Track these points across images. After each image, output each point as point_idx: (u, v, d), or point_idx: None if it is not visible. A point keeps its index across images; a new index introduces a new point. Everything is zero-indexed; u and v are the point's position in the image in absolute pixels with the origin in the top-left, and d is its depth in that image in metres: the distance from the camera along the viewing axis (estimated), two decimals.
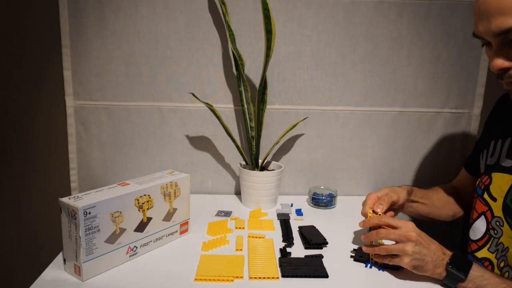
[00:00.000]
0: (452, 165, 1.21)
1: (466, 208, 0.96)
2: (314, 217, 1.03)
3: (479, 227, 0.80)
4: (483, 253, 0.79)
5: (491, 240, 0.78)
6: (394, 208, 0.89)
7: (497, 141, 0.81)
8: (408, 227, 0.71)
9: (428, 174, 1.21)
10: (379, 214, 0.80)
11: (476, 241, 0.81)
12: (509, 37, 0.62)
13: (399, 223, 0.73)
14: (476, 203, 0.83)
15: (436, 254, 0.69)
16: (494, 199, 0.77)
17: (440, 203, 0.96)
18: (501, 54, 0.64)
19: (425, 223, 1.00)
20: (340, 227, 0.96)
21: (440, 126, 1.18)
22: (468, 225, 0.85)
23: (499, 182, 0.77)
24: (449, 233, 1.22)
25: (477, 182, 0.84)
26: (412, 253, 0.69)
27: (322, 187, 1.18)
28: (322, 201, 1.10)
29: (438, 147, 1.19)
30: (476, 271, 0.67)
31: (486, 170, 0.82)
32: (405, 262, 0.70)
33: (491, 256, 0.78)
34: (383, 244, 0.77)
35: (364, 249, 0.77)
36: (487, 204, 0.79)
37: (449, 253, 0.70)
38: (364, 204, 0.85)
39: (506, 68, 0.65)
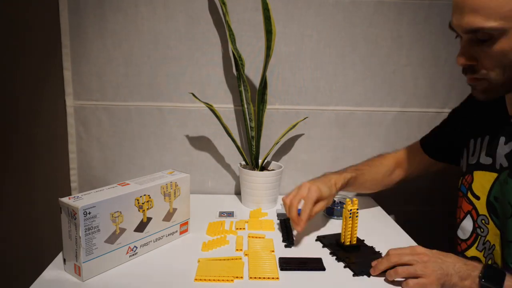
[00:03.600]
0: (452, 167, 1.20)
1: (401, 179, 1.04)
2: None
3: (466, 227, 0.81)
4: (472, 252, 0.80)
5: (478, 238, 0.78)
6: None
7: (476, 139, 0.81)
8: (413, 248, 0.71)
9: (428, 175, 1.21)
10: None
11: (465, 241, 0.82)
12: (478, 36, 0.63)
13: (404, 250, 0.72)
14: (462, 203, 0.83)
15: (457, 266, 0.67)
16: (477, 198, 0.78)
17: (372, 184, 1.03)
18: (468, 50, 0.66)
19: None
20: None
21: None
22: (456, 224, 0.85)
23: (481, 180, 0.78)
24: (437, 233, 1.22)
25: (460, 181, 0.85)
26: (432, 271, 0.66)
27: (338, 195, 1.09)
28: (337, 209, 1.02)
29: None
30: (509, 281, 0.64)
31: (468, 169, 0.82)
32: (431, 281, 0.66)
33: (479, 255, 0.78)
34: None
35: (387, 274, 0.72)
36: (471, 203, 0.80)
37: (472, 263, 0.68)
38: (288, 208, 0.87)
39: (470, 65, 0.67)
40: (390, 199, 1.15)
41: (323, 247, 0.86)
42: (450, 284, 0.66)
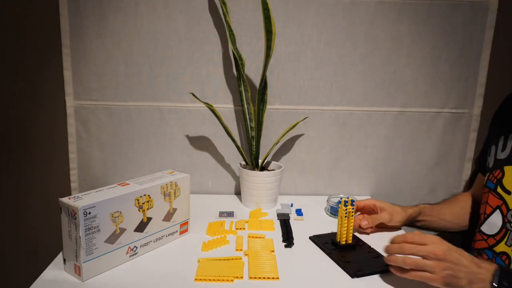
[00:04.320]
0: (452, 165, 1.21)
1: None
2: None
3: (495, 222, 0.80)
4: (501, 248, 0.79)
5: (508, 233, 0.78)
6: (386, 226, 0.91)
7: (507, 136, 0.81)
8: (435, 243, 0.66)
9: (428, 174, 1.21)
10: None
11: (493, 236, 0.81)
12: None
13: (425, 239, 0.67)
14: (489, 198, 0.83)
15: (469, 269, 0.65)
16: (508, 192, 0.78)
17: (453, 216, 0.96)
18: None
19: None
20: None
21: (440, 126, 1.18)
22: (480, 220, 0.84)
23: None
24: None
25: (487, 177, 0.84)
26: (442, 270, 0.64)
27: (341, 195, 1.12)
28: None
29: (438, 147, 1.19)
30: None
31: (497, 165, 0.82)
32: (435, 278, 0.65)
33: (509, 250, 0.78)
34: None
35: (386, 258, 0.71)
36: (502, 198, 0.79)
37: (485, 266, 0.65)
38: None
39: None
40: (391, 199, 1.15)
41: (318, 246, 0.86)
42: (457, 286, 0.65)
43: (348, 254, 0.82)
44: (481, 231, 0.84)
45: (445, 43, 1.13)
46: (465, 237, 1.18)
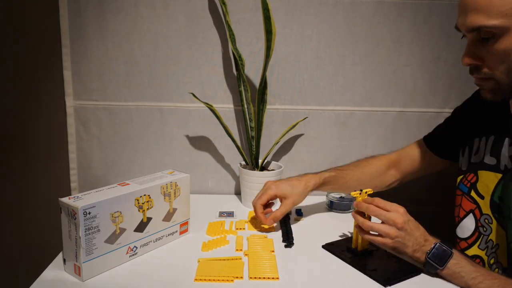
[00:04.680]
0: (452, 165, 1.20)
1: (397, 179, 1.02)
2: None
3: (467, 225, 0.81)
4: (473, 251, 0.80)
5: (481, 237, 0.79)
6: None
7: (480, 138, 0.81)
8: (398, 212, 0.73)
9: (428, 175, 1.21)
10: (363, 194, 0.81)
11: (465, 239, 0.82)
12: (481, 35, 0.64)
13: (390, 206, 0.75)
14: (462, 201, 0.83)
15: (418, 240, 0.72)
16: (482, 197, 0.78)
17: (358, 183, 0.98)
18: (473, 50, 0.67)
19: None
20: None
21: None
22: (454, 223, 0.85)
23: (485, 180, 0.78)
24: (438, 234, 1.22)
25: (460, 179, 0.85)
26: (395, 237, 0.72)
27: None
28: (336, 203, 1.06)
29: None
30: (454, 259, 0.69)
31: (471, 168, 0.82)
32: (386, 242, 0.73)
33: (482, 253, 0.78)
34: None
35: (353, 213, 0.80)
36: (475, 202, 0.80)
37: (432, 240, 0.72)
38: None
39: (475, 65, 0.68)
40: (391, 199, 1.15)
41: (335, 255, 0.82)
42: (401, 251, 0.74)
43: (370, 261, 0.79)
44: (455, 234, 0.85)
45: (445, 43, 1.13)
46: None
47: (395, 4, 1.10)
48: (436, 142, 0.97)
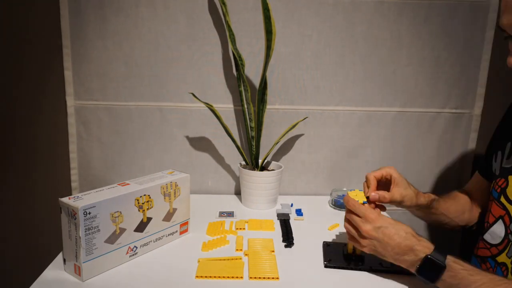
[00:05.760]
0: (453, 165, 1.21)
1: (478, 215, 0.91)
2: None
3: (497, 232, 0.77)
4: (502, 258, 0.76)
5: (510, 244, 0.74)
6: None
7: None
8: (365, 220, 0.72)
9: (428, 175, 1.21)
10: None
11: (496, 246, 0.78)
12: None
13: (361, 211, 0.73)
14: (492, 207, 0.80)
15: (394, 251, 0.69)
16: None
17: (457, 213, 0.90)
18: None
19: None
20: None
21: (440, 126, 1.18)
22: (483, 228, 0.82)
23: None
24: (438, 234, 1.22)
25: (492, 185, 0.81)
26: (365, 244, 0.72)
27: (344, 188, 1.18)
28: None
29: (438, 147, 1.19)
30: (449, 271, 0.64)
31: (502, 173, 0.78)
32: (361, 247, 0.73)
33: (508, 261, 0.75)
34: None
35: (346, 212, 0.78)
36: (505, 208, 0.76)
37: (420, 250, 0.66)
38: (366, 186, 0.81)
39: None
40: None
41: (327, 263, 0.79)
42: (381, 258, 0.72)
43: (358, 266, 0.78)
44: (484, 240, 0.81)
45: (445, 43, 1.13)
46: (465, 242, 1.17)
47: (395, 4, 1.10)
48: (487, 168, 0.87)
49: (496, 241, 0.77)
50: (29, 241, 1.19)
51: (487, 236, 0.80)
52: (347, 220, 0.76)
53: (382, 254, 0.70)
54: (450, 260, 0.65)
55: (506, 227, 0.75)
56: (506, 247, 0.75)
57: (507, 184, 0.76)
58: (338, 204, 1.09)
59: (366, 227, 0.71)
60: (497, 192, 0.78)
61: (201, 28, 1.09)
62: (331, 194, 1.12)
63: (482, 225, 0.84)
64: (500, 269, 0.76)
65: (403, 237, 0.69)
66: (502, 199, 0.77)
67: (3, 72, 1.09)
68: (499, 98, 0.94)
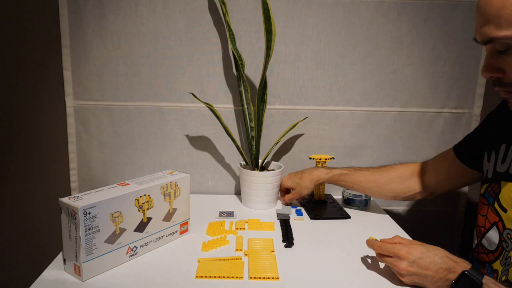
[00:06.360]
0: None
1: (422, 187, 0.96)
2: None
3: (492, 238, 0.76)
4: (496, 265, 0.76)
5: (503, 253, 0.73)
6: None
7: (508, 145, 0.75)
8: (401, 259, 0.70)
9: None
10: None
11: (492, 252, 0.77)
12: (496, 47, 0.61)
13: (395, 251, 0.71)
14: (488, 212, 0.78)
15: (434, 280, 0.67)
16: (505, 210, 0.73)
17: (372, 185, 0.99)
18: (492, 62, 0.64)
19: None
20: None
21: (440, 126, 1.18)
22: (480, 232, 0.81)
23: (509, 193, 0.73)
24: (439, 234, 1.22)
25: (485, 188, 0.80)
26: (407, 282, 0.70)
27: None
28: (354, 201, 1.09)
29: (438, 147, 1.19)
30: None
31: (496, 178, 0.76)
32: (403, 281, 0.71)
33: (500, 269, 0.74)
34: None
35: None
36: (498, 215, 0.75)
37: (458, 270, 0.66)
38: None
39: (497, 77, 0.65)
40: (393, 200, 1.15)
41: (301, 204, 1.09)
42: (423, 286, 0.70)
43: (319, 208, 1.07)
44: (482, 245, 0.80)
45: (445, 43, 1.13)
46: (464, 245, 1.16)
47: (395, 4, 1.10)
48: (464, 150, 0.89)
49: (492, 247, 0.77)
50: (29, 241, 1.19)
51: (484, 242, 0.79)
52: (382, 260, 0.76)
53: (424, 285, 0.69)
54: (488, 280, 0.63)
55: (500, 234, 0.75)
56: (500, 255, 0.75)
57: (500, 190, 0.75)
58: (348, 202, 1.10)
59: (401, 265, 0.70)
60: (492, 197, 0.77)
61: (201, 28, 1.09)
62: (343, 193, 1.12)
63: (478, 229, 0.82)
64: (492, 276, 0.74)
65: (439, 263, 0.68)
66: (496, 205, 0.76)
67: (2, 72, 1.09)
68: (499, 98, 0.94)
